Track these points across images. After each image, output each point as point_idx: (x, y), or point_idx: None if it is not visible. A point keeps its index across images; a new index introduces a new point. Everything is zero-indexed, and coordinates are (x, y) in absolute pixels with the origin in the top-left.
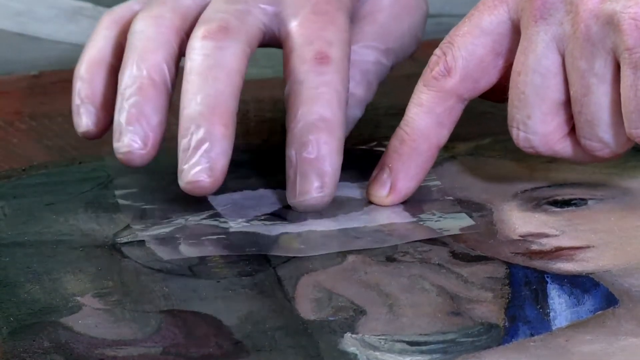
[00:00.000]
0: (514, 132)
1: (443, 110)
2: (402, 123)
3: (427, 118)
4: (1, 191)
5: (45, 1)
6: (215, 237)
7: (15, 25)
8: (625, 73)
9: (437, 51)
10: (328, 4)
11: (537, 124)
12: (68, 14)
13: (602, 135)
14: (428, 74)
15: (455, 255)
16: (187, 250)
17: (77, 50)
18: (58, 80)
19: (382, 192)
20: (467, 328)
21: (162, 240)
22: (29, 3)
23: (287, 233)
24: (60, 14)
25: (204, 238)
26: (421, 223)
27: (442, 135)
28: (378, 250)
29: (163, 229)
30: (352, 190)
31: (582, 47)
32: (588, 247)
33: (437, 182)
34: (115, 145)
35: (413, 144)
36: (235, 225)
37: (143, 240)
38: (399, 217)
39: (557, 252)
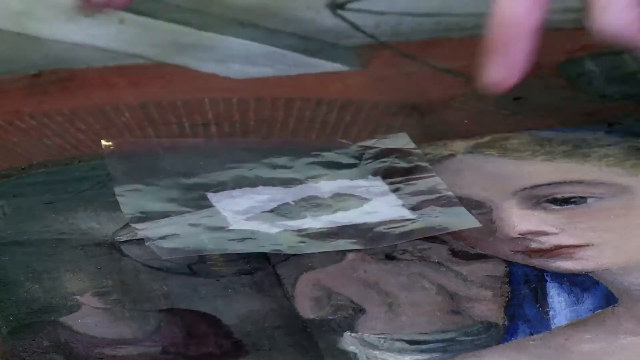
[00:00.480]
0: None
1: None
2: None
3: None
4: (1, 190)
5: (45, 1)
6: (214, 235)
7: (15, 25)
8: None
9: None
10: None
11: None
12: (68, 13)
13: None
14: None
15: (454, 253)
16: (187, 249)
17: (77, 50)
18: (58, 80)
19: (499, 73)
20: (466, 327)
21: (162, 238)
22: (29, 3)
23: (286, 230)
24: (60, 13)
25: (203, 236)
26: (421, 219)
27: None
28: (377, 248)
29: (162, 227)
30: (352, 188)
31: None
32: (588, 245)
33: (437, 179)
34: None
35: (507, 35)
36: (235, 223)
37: (142, 239)
38: (399, 214)
39: (556, 250)
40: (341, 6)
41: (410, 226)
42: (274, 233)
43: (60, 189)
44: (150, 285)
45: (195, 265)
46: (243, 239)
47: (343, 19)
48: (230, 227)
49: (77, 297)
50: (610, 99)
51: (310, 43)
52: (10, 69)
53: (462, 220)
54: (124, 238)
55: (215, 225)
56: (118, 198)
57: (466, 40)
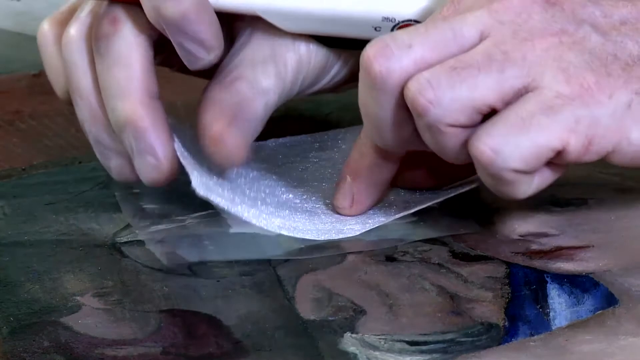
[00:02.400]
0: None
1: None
2: (363, 134)
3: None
4: (1, 190)
5: (46, 1)
6: (215, 238)
7: (15, 25)
8: None
9: None
10: None
11: None
12: None
13: None
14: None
15: (455, 254)
16: (187, 253)
17: None
18: None
19: (345, 203)
20: (467, 328)
21: (162, 241)
22: (29, 3)
23: (287, 236)
24: None
25: (204, 239)
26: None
27: (400, 142)
28: (378, 250)
29: (163, 229)
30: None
31: None
32: (588, 246)
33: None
34: None
35: (373, 158)
36: (236, 225)
37: (143, 240)
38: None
39: (557, 252)
40: None
41: (413, 227)
42: (274, 235)
43: (60, 189)
44: (151, 286)
45: (196, 266)
46: (243, 243)
47: None
48: (231, 230)
49: (78, 298)
50: None
51: None
52: (10, 68)
53: (463, 221)
54: (124, 239)
55: (216, 230)
56: (118, 199)
57: None
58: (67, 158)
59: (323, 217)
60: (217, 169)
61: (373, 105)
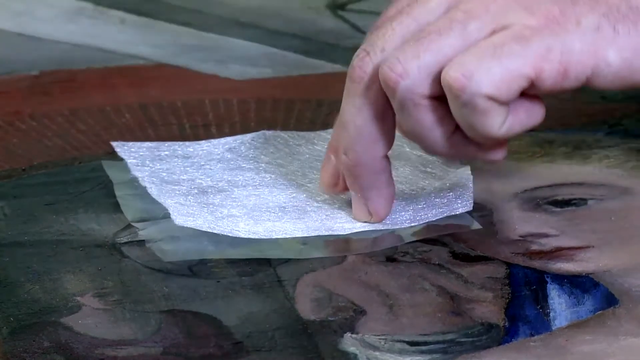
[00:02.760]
0: None
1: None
2: (340, 148)
3: (361, 139)
4: (1, 191)
5: (45, 1)
6: (214, 237)
7: (15, 25)
8: None
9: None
10: None
11: None
12: (68, 14)
13: None
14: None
15: (455, 255)
16: (187, 253)
17: (77, 50)
18: (58, 81)
19: (365, 216)
20: (467, 328)
21: (162, 241)
22: (29, 3)
23: (288, 237)
24: (60, 14)
25: (204, 239)
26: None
27: (383, 145)
28: (378, 251)
29: (163, 229)
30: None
31: None
32: (588, 247)
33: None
34: None
35: (359, 167)
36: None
37: (143, 240)
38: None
39: (557, 252)
40: (342, 7)
41: (414, 227)
42: (275, 238)
43: (60, 190)
44: (151, 287)
45: (196, 266)
46: (244, 242)
47: (344, 20)
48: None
49: (78, 298)
50: (611, 100)
51: (311, 44)
52: (10, 69)
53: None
54: (124, 239)
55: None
56: (119, 200)
57: None
58: (67, 158)
59: (312, 214)
60: (195, 190)
61: (354, 110)
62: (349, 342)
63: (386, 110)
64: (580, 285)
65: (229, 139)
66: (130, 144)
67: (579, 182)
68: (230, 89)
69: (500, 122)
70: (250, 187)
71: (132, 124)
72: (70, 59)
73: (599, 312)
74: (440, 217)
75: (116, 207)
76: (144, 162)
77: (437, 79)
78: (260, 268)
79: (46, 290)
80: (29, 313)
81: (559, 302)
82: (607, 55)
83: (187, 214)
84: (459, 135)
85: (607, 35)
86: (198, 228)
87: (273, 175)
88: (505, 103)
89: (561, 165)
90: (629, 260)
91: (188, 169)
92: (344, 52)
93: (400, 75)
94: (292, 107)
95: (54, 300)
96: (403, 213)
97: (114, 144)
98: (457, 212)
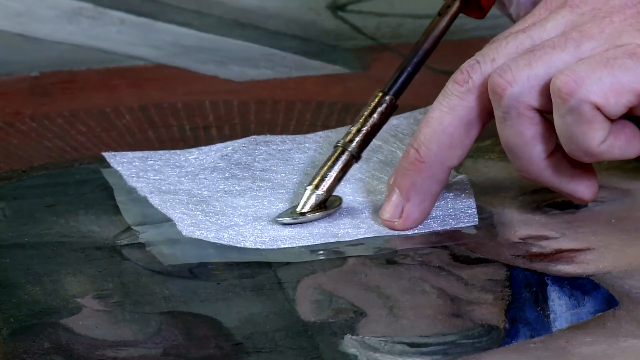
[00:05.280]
0: None
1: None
2: (414, 142)
3: (441, 138)
4: (1, 192)
5: (45, 1)
6: (215, 242)
7: (15, 26)
8: None
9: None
10: None
11: None
12: (68, 14)
13: None
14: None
15: (455, 257)
16: (187, 255)
17: (77, 51)
18: (58, 82)
19: (394, 214)
20: (467, 330)
21: (162, 244)
22: (29, 3)
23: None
24: (60, 14)
25: (204, 241)
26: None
27: (456, 156)
28: (378, 253)
29: (163, 231)
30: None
31: None
32: (588, 249)
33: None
34: None
35: (424, 166)
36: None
37: (143, 243)
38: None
39: (557, 254)
40: (342, 8)
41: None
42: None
43: (60, 191)
44: (151, 288)
45: (196, 268)
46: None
47: (344, 20)
48: None
49: (78, 300)
50: None
51: (311, 45)
52: (10, 70)
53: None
54: (124, 241)
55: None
56: (119, 205)
57: (466, 42)
58: (68, 160)
59: (315, 222)
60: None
61: (445, 109)
62: (349, 344)
63: (476, 121)
64: (580, 287)
65: (220, 145)
66: (121, 154)
67: None
68: (230, 90)
69: (602, 138)
70: (248, 197)
71: (132, 125)
72: (70, 60)
73: (599, 313)
74: (446, 228)
75: (116, 209)
76: (138, 174)
77: (545, 92)
78: (261, 270)
79: (46, 291)
80: (30, 314)
81: (559, 304)
82: None
83: (192, 224)
84: (556, 158)
85: None
86: (205, 239)
87: (270, 184)
88: (610, 117)
89: None
90: (629, 262)
91: (183, 179)
92: (344, 53)
93: (509, 82)
94: (292, 109)
95: (55, 302)
96: None
97: (105, 154)
98: (462, 226)
